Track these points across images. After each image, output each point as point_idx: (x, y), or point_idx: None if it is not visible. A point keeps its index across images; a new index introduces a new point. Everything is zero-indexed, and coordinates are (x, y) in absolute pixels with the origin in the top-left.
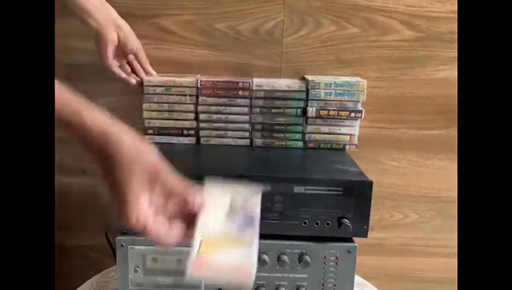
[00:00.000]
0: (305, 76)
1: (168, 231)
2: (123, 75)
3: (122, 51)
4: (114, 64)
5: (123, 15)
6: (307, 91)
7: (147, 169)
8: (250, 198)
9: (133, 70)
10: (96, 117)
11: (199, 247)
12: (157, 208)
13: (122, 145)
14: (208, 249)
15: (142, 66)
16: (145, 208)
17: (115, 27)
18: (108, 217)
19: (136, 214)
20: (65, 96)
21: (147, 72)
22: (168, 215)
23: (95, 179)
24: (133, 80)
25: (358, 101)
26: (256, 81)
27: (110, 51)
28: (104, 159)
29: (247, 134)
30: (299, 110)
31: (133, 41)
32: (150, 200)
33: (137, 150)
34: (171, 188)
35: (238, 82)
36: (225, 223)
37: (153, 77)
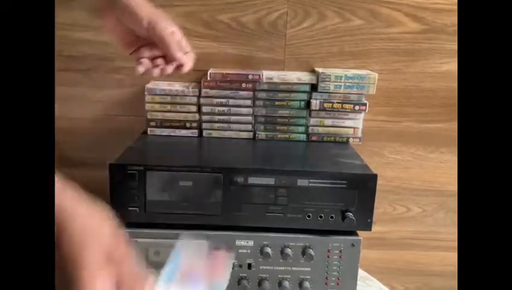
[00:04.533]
0: (315, 68)
1: None
2: None
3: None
4: None
5: None
6: (316, 84)
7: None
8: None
9: None
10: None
11: None
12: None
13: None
14: None
15: None
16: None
17: None
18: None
19: None
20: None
21: None
22: None
23: (97, 170)
24: None
25: (365, 94)
26: (266, 73)
27: None
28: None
29: (250, 127)
30: (303, 103)
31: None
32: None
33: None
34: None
35: (247, 74)
36: None
37: None
